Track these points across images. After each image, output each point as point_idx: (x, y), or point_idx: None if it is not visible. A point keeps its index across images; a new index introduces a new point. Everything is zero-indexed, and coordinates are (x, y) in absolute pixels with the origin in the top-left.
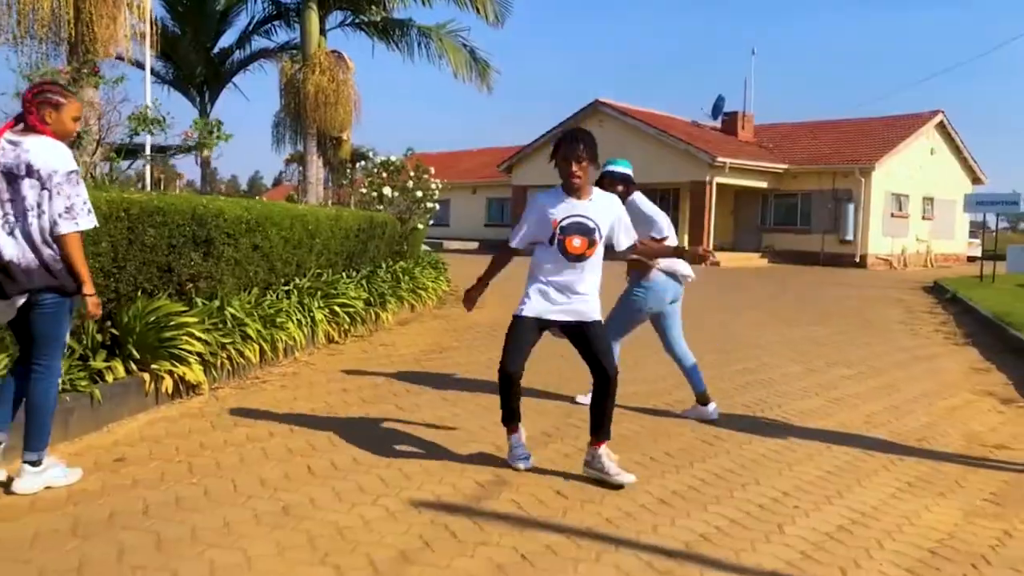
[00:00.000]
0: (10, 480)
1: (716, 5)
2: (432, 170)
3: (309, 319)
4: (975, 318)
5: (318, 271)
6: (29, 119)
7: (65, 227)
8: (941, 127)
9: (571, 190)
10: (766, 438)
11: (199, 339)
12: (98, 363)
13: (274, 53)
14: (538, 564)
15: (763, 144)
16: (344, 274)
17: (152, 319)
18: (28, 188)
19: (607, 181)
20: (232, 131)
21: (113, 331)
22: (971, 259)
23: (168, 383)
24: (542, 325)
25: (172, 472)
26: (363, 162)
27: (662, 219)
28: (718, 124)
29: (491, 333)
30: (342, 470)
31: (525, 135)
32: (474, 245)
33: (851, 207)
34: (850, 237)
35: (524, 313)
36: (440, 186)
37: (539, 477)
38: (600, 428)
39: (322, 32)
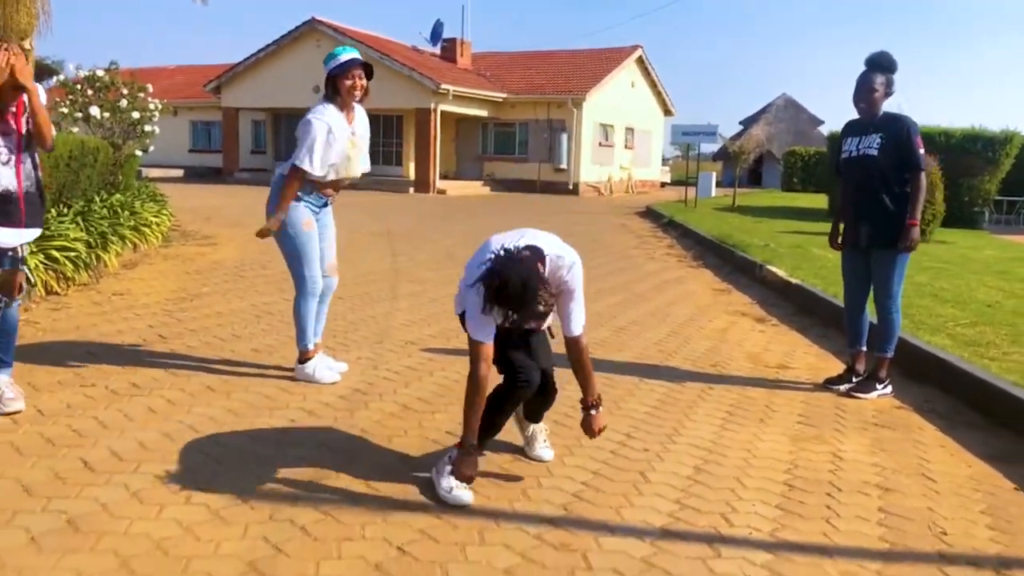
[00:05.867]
0: None
1: None
2: (150, 87)
3: None
4: (696, 240)
5: None
6: None
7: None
8: (640, 62)
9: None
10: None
11: None
12: None
13: None
14: (421, 556)
15: (481, 72)
16: (55, 210)
17: None
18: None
19: (356, 74)
20: None
21: None
22: (663, 184)
23: None
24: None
25: None
26: (59, 76)
27: None
28: (437, 50)
29: (240, 274)
30: (129, 460)
31: (232, 52)
32: (179, 172)
33: (565, 136)
34: (564, 165)
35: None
36: (160, 107)
37: (375, 443)
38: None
39: None
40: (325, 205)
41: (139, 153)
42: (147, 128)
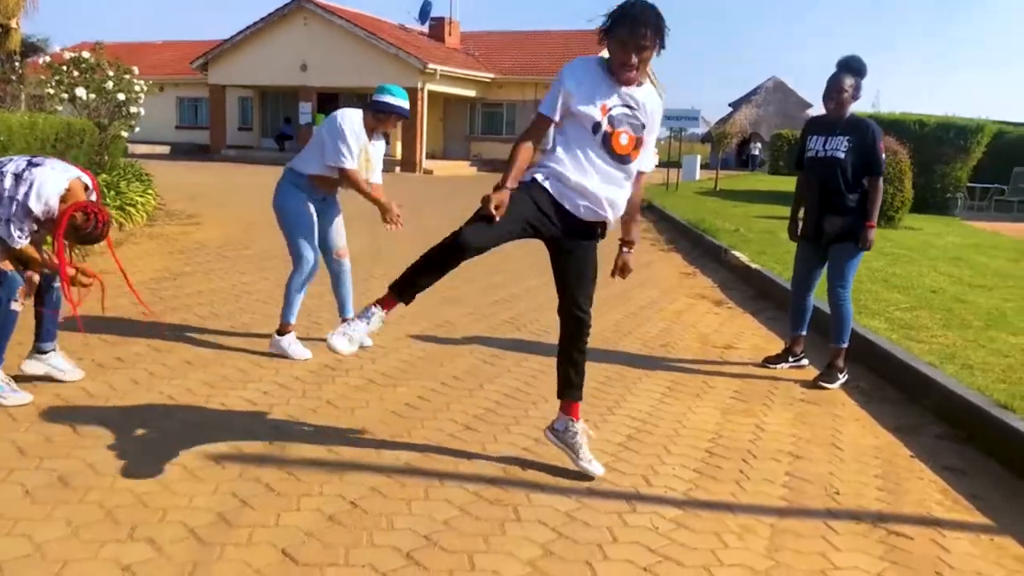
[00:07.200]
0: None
1: None
2: (136, 69)
3: None
4: (672, 225)
5: None
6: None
7: None
8: None
9: (620, 79)
10: (536, 355)
11: None
12: None
13: None
14: (371, 509)
15: (470, 52)
16: None
17: None
18: None
19: (392, 120)
20: None
21: None
22: None
23: None
24: (538, 218)
25: None
26: (45, 57)
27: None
28: (425, 29)
29: (222, 255)
30: (113, 426)
31: (220, 28)
32: (165, 149)
33: None
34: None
35: (537, 178)
36: (146, 87)
37: (338, 413)
38: (570, 385)
39: None
40: (324, 200)
41: (124, 134)
42: (133, 110)
